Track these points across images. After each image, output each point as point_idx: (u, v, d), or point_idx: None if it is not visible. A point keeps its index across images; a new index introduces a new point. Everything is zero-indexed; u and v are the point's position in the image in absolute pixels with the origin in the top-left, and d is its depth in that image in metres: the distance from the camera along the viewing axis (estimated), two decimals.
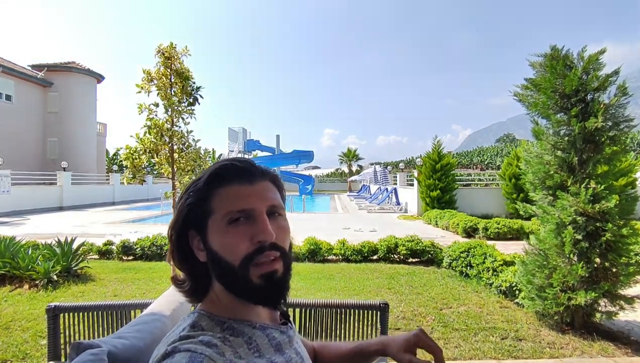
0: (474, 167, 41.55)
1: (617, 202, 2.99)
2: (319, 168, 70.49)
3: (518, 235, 8.79)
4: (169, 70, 3.09)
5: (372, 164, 44.46)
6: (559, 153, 3.34)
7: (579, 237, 3.02)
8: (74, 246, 5.08)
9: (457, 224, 9.61)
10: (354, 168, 46.57)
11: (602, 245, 3.00)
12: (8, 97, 21.32)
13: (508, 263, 4.59)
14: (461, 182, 16.95)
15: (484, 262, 4.85)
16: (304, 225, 11.66)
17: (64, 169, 18.53)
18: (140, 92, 3.07)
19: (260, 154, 41.84)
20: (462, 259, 5.31)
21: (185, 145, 3.13)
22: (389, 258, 6.41)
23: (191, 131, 3.17)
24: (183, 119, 3.12)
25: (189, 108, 3.19)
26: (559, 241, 3.19)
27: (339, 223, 11.90)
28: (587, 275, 3.02)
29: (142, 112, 3.10)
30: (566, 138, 3.30)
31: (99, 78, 26.49)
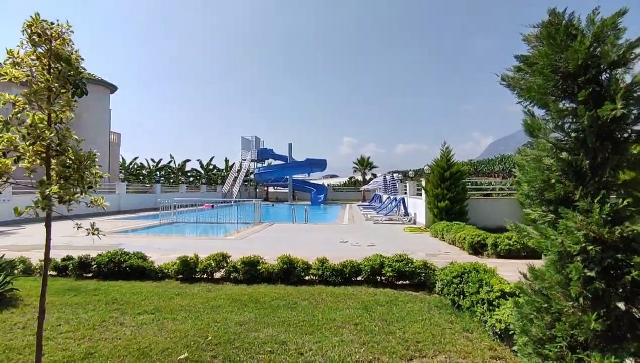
0: (495, 175, 39.64)
1: None
2: (336, 176, 69.70)
3: (533, 253, 7.66)
4: (44, 51, 2.45)
5: (389, 173, 43.17)
6: (563, 154, 2.43)
7: (591, 273, 2.10)
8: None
9: (464, 239, 8.55)
10: (368, 177, 45.45)
11: (627, 286, 2.07)
12: None
13: (508, 295, 3.64)
14: (481, 192, 15.72)
15: (478, 292, 3.91)
16: (299, 237, 10.92)
17: None
18: (4, 78, 2.42)
19: (273, 162, 41.61)
20: (455, 286, 4.37)
21: (62, 147, 2.44)
22: (374, 281, 5.52)
23: (68, 128, 2.48)
24: (55, 112, 2.44)
25: (72, 100, 2.52)
26: (563, 277, 2.28)
27: (338, 236, 11.02)
28: (604, 328, 2.09)
29: (5, 105, 2.46)
30: (573, 133, 2.40)
31: (112, 88, 26.97)
